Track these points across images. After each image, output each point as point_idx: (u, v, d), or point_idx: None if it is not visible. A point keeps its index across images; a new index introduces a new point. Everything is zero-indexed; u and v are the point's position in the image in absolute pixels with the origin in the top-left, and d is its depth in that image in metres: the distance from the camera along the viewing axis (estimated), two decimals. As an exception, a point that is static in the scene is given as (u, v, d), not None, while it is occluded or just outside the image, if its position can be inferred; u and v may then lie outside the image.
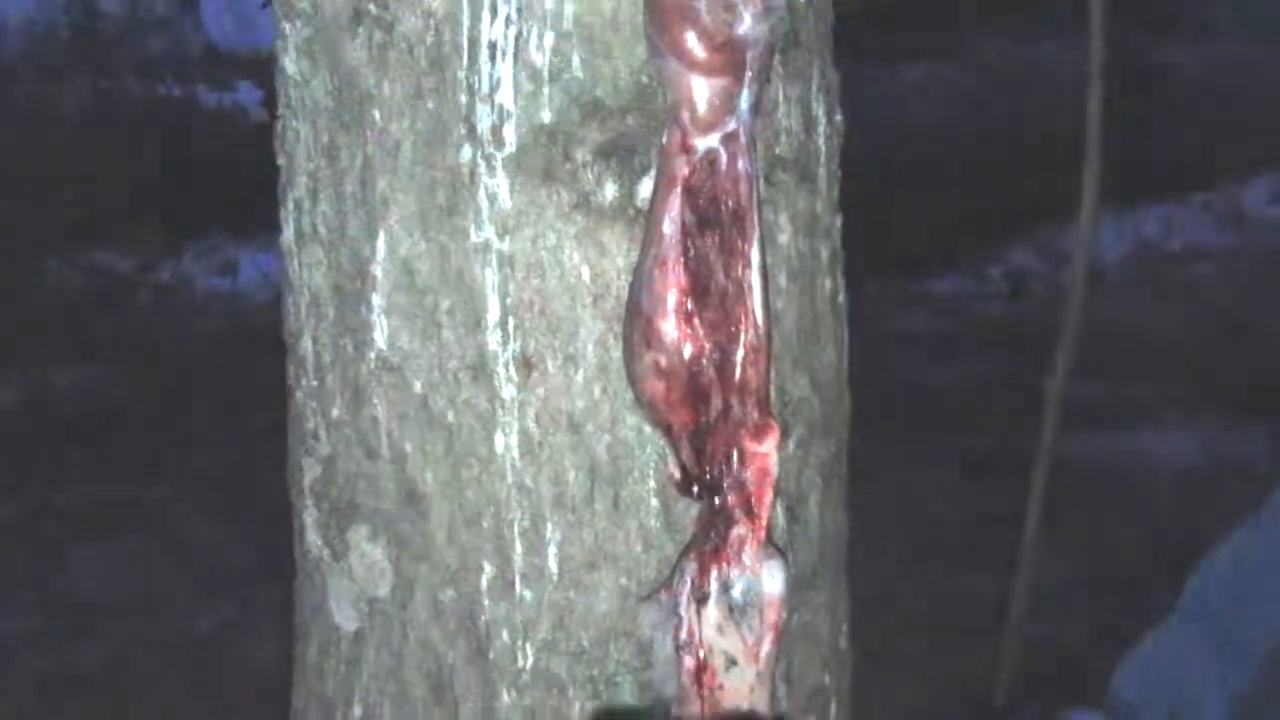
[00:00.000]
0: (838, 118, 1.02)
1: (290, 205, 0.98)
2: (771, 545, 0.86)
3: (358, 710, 1.02)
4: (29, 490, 3.11)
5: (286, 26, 0.94)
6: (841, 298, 1.05)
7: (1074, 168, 2.19)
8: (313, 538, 1.01)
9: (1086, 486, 2.88)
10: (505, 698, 0.94)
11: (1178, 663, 0.67)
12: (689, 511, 0.91)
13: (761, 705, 0.86)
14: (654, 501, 0.92)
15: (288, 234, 0.99)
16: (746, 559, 0.84)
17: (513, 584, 0.93)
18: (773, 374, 0.89)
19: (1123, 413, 3.14)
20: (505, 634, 0.93)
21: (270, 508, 1.19)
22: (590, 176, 0.87)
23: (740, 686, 0.85)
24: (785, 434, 0.92)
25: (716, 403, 0.85)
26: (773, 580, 0.84)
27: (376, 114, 0.90)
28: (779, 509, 0.97)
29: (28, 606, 2.76)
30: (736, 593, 0.84)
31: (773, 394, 0.90)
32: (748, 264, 0.83)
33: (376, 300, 0.92)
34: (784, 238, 0.96)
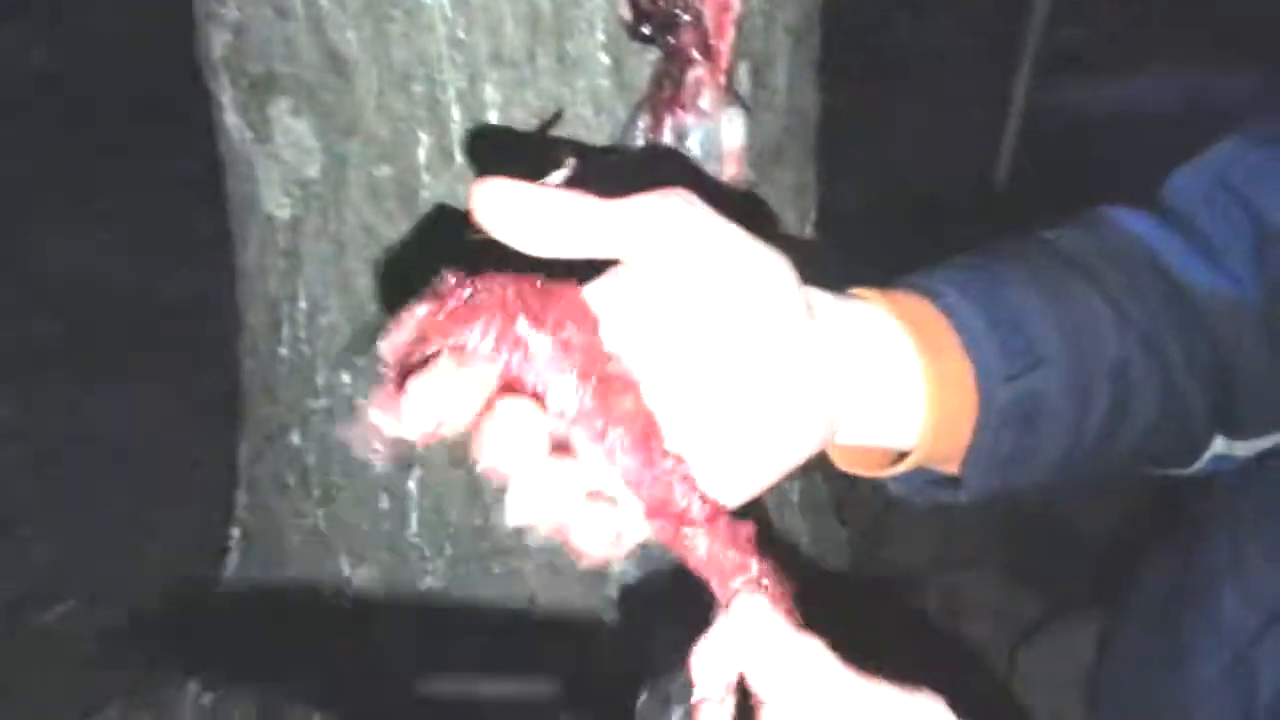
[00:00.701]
0: None
1: None
2: (732, 91, 0.78)
3: (303, 304, 0.98)
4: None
5: None
6: None
7: None
8: (232, 119, 0.92)
9: (1063, 132, 2.80)
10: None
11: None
12: (643, 69, 0.82)
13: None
14: (604, 58, 0.83)
15: None
16: (704, 104, 0.76)
17: (453, 155, 0.85)
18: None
19: (1104, 59, 2.98)
20: (449, 211, 0.87)
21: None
22: None
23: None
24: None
25: (670, -76, 0.73)
26: (732, 129, 0.77)
27: None
28: (743, 71, 0.88)
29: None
30: (693, 142, 0.76)
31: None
32: None
33: None
34: None
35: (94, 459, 2.01)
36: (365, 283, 0.93)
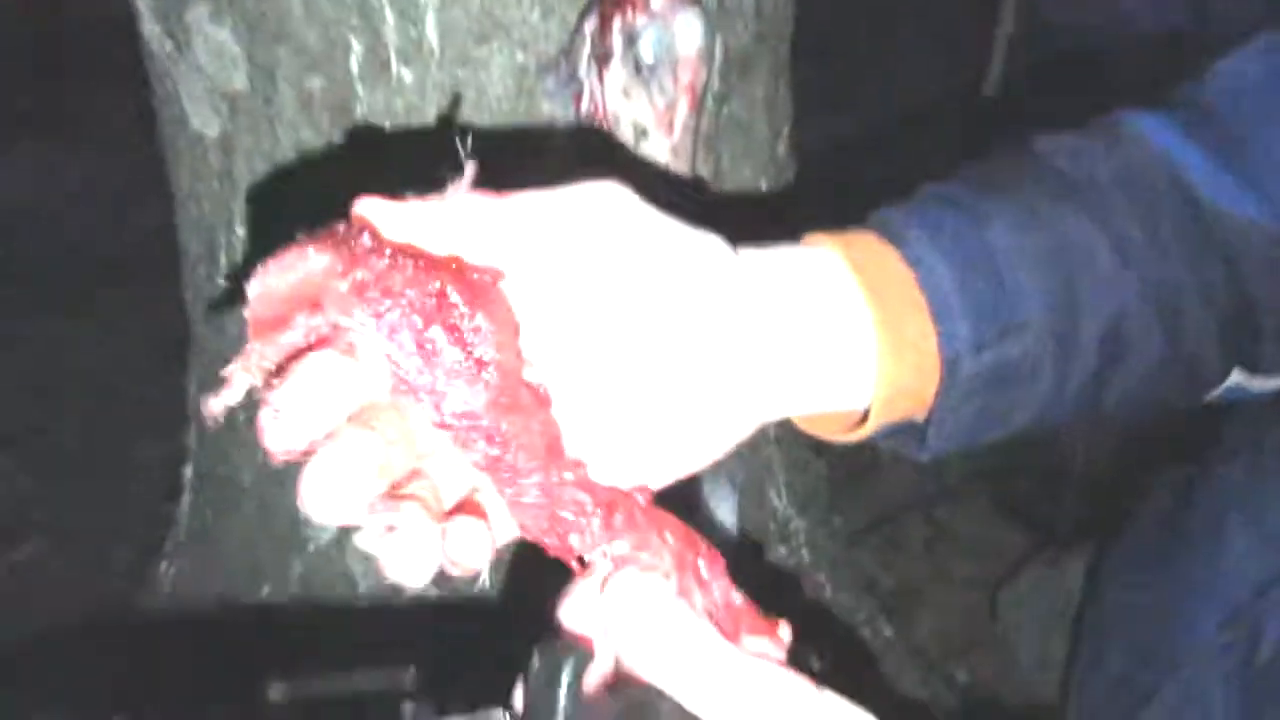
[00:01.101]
0: None
1: None
2: (688, -10, 0.70)
3: (240, 231, 0.91)
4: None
5: None
6: None
7: None
8: (150, 27, 0.85)
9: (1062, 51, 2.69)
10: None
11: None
12: (593, -33, 0.74)
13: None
14: (550, -46, 0.76)
15: None
16: (656, 5, 0.69)
17: (388, 64, 0.78)
18: None
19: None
20: (386, 126, 0.80)
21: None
22: None
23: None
24: None
25: None
26: (688, 32, 0.70)
27: None
28: (705, -30, 0.81)
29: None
30: (644, 47, 0.69)
31: None
32: None
33: None
34: None
35: (57, 394, 1.97)
36: (303, 208, 0.87)
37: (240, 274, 0.92)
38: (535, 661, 0.33)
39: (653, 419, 0.39)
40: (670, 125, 0.72)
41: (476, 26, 0.77)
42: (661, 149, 0.73)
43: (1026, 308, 0.44)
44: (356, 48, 0.78)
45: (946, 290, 0.43)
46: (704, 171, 0.86)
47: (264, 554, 1.04)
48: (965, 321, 0.43)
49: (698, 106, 0.73)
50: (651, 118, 0.72)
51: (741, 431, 0.41)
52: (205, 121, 0.86)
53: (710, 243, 0.40)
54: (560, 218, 0.37)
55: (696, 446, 0.40)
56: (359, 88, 0.79)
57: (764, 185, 0.94)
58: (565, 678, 0.32)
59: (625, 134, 0.72)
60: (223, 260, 0.94)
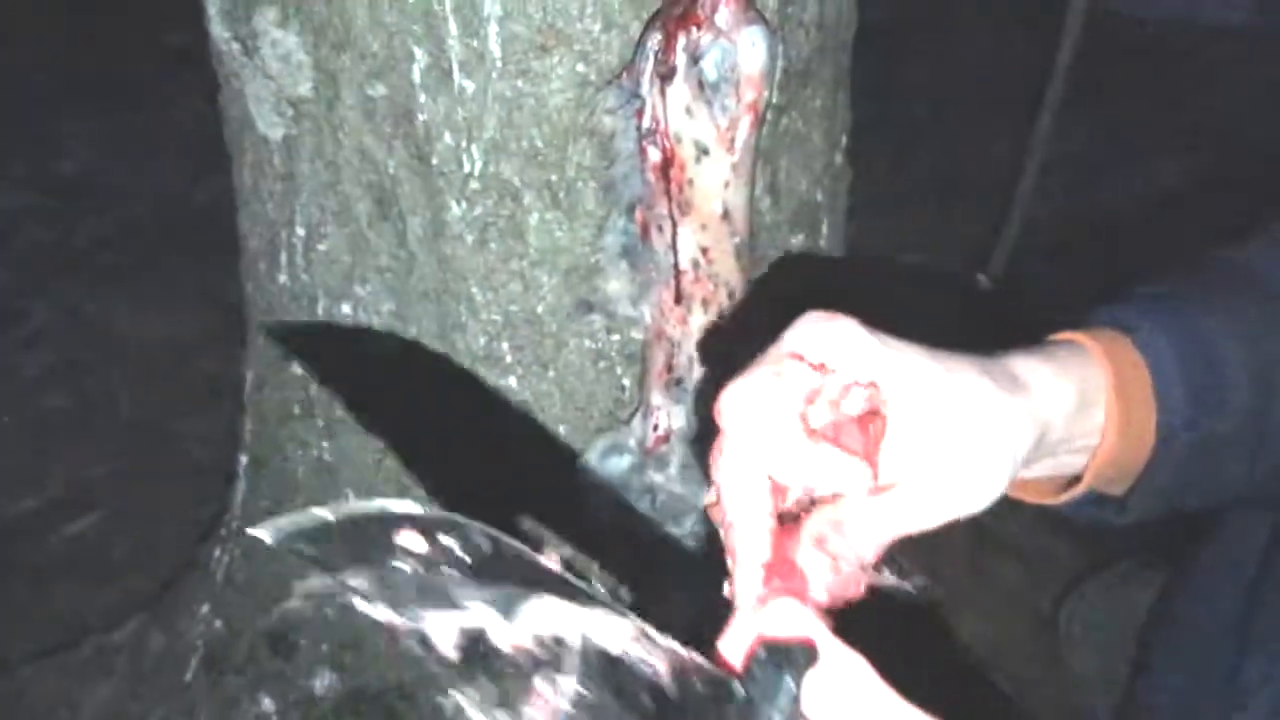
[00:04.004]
0: None
1: None
2: (754, 10, 0.70)
3: (301, 231, 0.93)
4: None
5: None
6: None
7: None
8: (219, 30, 0.86)
9: (1129, 43, 2.62)
10: (454, 209, 0.84)
11: None
12: (657, -19, 0.74)
13: (737, 204, 0.75)
14: (614, -33, 0.75)
15: None
16: (721, 22, 0.68)
17: (450, 74, 0.79)
18: None
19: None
20: (447, 135, 0.81)
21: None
22: None
23: (713, 182, 0.74)
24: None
25: None
26: (752, 50, 0.69)
27: None
28: (769, -17, 0.80)
29: (22, 183, 2.70)
30: (708, 64, 0.69)
31: None
32: None
33: None
34: None
35: (122, 368, 2.02)
36: (363, 209, 0.88)
37: (302, 271, 0.94)
38: (765, 650, 0.35)
39: (951, 462, 0.43)
40: (731, 144, 0.72)
41: (538, 38, 0.77)
42: (722, 167, 0.73)
43: (1237, 391, 0.51)
44: (419, 56, 0.78)
45: (1170, 374, 0.50)
46: (760, 184, 0.86)
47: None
48: (1183, 402, 0.49)
49: (759, 124, 0.72)
50: (713, 136, 0.72)
51: (999, 489, 0.45)
52: (270, 124, 0.87)
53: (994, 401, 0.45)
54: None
55: (969, 494, 0.44)
56: (421, 96, 0.80)
57: (820, 196, 0.94)
58: (793, 667, 0.34)
59: (686, 153, 0.72)
60: (283, 258, 0.95)
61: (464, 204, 0.84)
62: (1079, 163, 2.40)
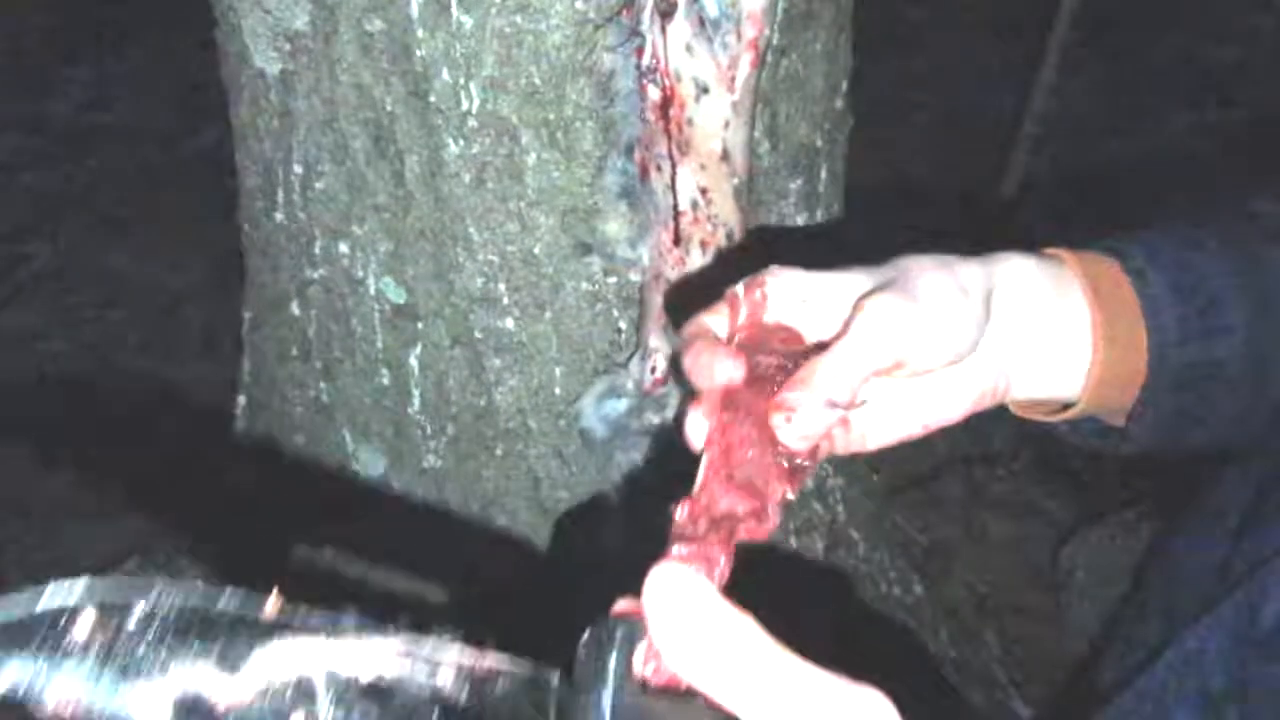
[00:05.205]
0: None
1: None
2: (756, -56, 0.69)
3: (298, 169, 0.92)
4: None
5: None
6: None
7: None
8: (215, -38, 0.85)
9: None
10: (452, 148, 0.84)
11: None
12: (659, -85, 0.73)
13: (737, 144, 0.75)
14: (616, -101, 0.74)
15: None
16: (722, -43, 0.67)
17: (448, 8, 0.78)
18: None
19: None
20: (445, 72, 0.80)
21: None
22: None
23: (713, 121, 0.73)
24: None
25: None
26: (755, -14, 0.68)
27: None
28: (773, -80, 0.79)
29: (19, 125, 2.68)
30: (709, 1, 0.68)
31: None
32: None
33: None
34: None
35: (120, 310, 2.02)
36: (360, 146, 0.87)
37: (299, 209, 0.94)
38: (589, 630, 0.34)
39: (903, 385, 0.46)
40: (732, 82, 0.71)
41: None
42: (722, 106, 0.72)
43: (1230, 315, 0.50)
44: (417, -10, 0.77)
45: (1159, 295, 0.50)
46: (758, 128, 0.85)
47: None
48: (1173, 322, 0.49)
49: (759, 63, 0.72)
50: (713, 74, 0.71)
51: (969, 401, 0.48)
52: (266, 59, 0.86)
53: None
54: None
55: (934, 404, 0.48)
56: (419, 31, 0.79)
57: (819, 141, 0.93)
58: (616, 644, 0.32)
59: (686, 92, 0.72)
60: (280, 196, 0.95)
61: (461, 142, 0.83)
62: (1082, 119, 2.38)
